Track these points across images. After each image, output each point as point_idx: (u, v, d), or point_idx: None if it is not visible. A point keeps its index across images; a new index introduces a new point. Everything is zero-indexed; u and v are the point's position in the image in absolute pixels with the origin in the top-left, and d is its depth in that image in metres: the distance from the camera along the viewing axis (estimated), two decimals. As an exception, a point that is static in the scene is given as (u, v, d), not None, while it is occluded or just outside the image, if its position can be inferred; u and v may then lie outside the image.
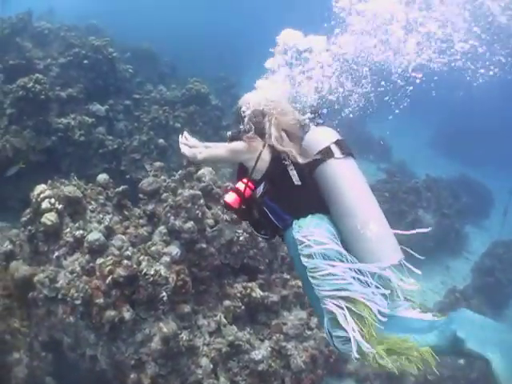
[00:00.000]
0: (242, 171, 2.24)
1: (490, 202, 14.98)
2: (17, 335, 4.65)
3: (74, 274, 4.61)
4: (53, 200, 5.22)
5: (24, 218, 5.29)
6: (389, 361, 1.91)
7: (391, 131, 19.03)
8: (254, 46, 23.72)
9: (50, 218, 5.04)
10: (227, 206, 2.19)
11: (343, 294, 1.91)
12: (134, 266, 4.54)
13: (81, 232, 4.93)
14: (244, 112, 2.26)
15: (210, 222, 5.46)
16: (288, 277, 5.78)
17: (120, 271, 4.48)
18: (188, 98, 9.98)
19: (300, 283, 5.03)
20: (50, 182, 6.18)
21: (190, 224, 5.07)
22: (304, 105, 2.36)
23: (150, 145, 8.31)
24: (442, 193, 12.39)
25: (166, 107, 9.14)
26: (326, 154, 2.08)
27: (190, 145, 2.36)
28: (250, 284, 5.26)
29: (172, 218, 5.07)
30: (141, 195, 5.41)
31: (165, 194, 5.23)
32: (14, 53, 9.28)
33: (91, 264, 4.64)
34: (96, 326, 4.30)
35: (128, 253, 4.66)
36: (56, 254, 4.90)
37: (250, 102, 2.27)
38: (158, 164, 5.61)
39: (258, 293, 5.21)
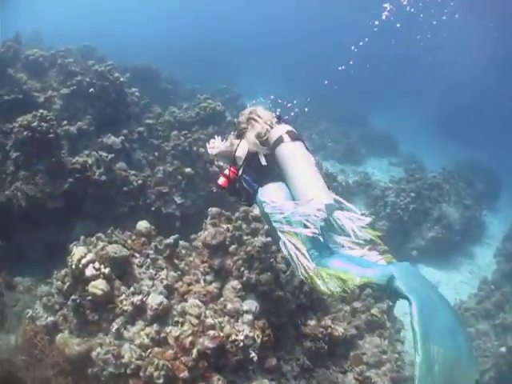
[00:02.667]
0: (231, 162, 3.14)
1: (499, 182, 14.90)
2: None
3: (144, 348, 3.87)
4: (97, 264, 4.39)
5: (60, 283, 4.52)
6: (326, 283, 2.49)
7: (391, 122, 18.95)
8: (241, 55, 23.66)
9: (99, 287, 4.22)
10: (219, 187, 3.17)
11: (286, 227, 2.65)
12: (221, 335, 3.83)
13: (139, 298, 4.15)
14: (237, 119, 3.29)
15: (282, 266, 4.84)
16: (358, 306, 5.70)
17: (206, 343, 3.79)
18: (204, 118, 9.18)
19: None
20: (83, 238, 5.36)
21: (266, 275, 4.47)
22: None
23: (176, 175, 7.46)
24: (459, 184, 12.54)
25: (186, 131, 8.30)
26: (279, 140, 2.84)
27: (212, 146, 3.39)
28: (328, 322, 4.88)
29: (246, 271, 4.36)
30: (203, 249, 4.63)
31: (233, 247, 4.45)
32: (8, 86, 8.27)
33: (162, 334, 3.90)
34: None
35: (210, 321, 3.90)
36: (114, 326, 4.11)
37: (243, 112, 3.25)
38: (214, 210, 4.81)
39: (339, 331, 4.85)
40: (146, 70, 11.76)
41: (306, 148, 2.91)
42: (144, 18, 24.73)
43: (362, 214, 2.92)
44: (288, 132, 2.87)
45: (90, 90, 8.20)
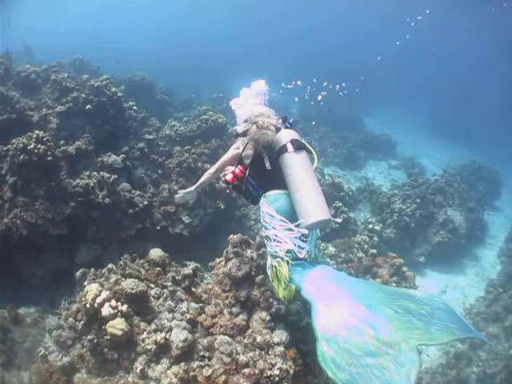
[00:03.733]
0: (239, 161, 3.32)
1: (498, 181, 14.74)
2: None
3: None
4: (114, 302, 4.10)
5: (72, 319, 4.26)
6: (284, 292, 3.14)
7: (387, 125, 18.95)
8: (232, 62, 23.45)
9: (118, 327, 3.96)
10: (227, 182, 3.33)
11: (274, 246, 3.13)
12: (256, 372, 3.59)
13: (162, 335, 3.91)
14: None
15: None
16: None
17: (241, 381, 3.61)
18: (206, 131, 8.89)
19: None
20: (93, 270, 5.07)
21: (295, 305, 4.23)
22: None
23: (182, 194, 7.16)
24: (462, 186, 12.52)
25: (189, 146, 8.00)
26: (283, 149, 2.99)
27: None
28: None
29: (275, 302, 4.10)
30: (225, 278, 4.35)
31: (259, 277, 4.17)
32: (0, 106, 7.92)
33: (191, 373, 3.66)
34: None
35: (244, 358, 3.67)
36: (138, 366, 3.83)
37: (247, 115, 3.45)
38: (237, 238, 4.54)
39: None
40: (141, 81, 11.40)
41: (308, 152, 3.13)
42: (134, 30, 24.35)
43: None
44: (292, 140, 3.04)
45: (87, 107, 7.86)
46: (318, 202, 2.90)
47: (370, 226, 9.48)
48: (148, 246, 6.98)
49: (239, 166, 3.29)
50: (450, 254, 10.61)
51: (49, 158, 6.47)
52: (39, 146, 6.46)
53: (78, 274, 6.12)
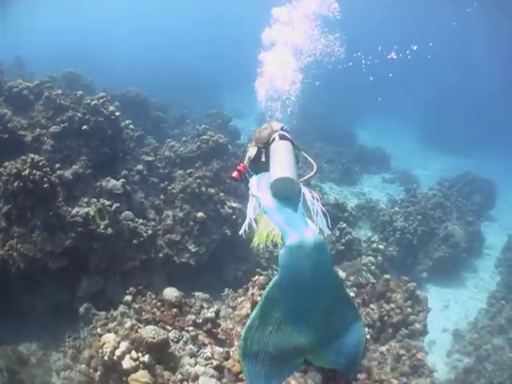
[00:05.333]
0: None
1: (493, 192, 14.76)
2: None
3: None
4: (134, 354, 3.77)
5: (84, 366, 4.07)
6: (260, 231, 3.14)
7: (379, 136, 19.02)
8: (221, 75, 23.24)
9: (141, 380, 3.68)
10: (233, 178, 3.65)
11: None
12: None
13: (191, 385, 3.61)
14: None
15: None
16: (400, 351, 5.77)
17: None
18: (206, 152, 8.58)
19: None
20: (104, 314, 4.72)
21: None
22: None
23: (188, 221, 6.82)
24: (459, 199, 12.69)
25: (191, 170, 7.68)
26: (272, 140, 3.43)
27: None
28: (381, 376, 4.43)
29: None
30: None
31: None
32: (-9, 124, 7.44)
33: None
34: None
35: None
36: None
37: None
38: (264, 279, 4.27)
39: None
40: (135, 97, 11.00)
41: (293, 144, 3.46)
42: (123, 43, 23.92)
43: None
44: (279, 135, 3.47)
45: (84, 128, 7.45)
46: (284, 166, 3.16)
47: (374, 245, 9.34)
48: (153, 277, 6.65)
49: (242, 164, 3.71)
50: (451, 267, 10.65)
51: (45, 185, 6.04)
52: (34, 171, 6.04)
53: (82, 309, 5.75)
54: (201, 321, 4.30)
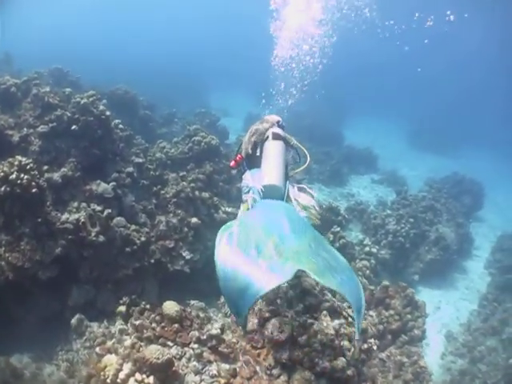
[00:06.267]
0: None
1: (481, 192, 14.92)
2: None
3: None
4: (139, 376, 3.57)
5: None
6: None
7: (366, 136, 19.06)
8: (207, 73, 22.89)
9: None
10: (231, 167, 4.12)
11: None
12: None
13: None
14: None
15: (346, 343, 4.22)
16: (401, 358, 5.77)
17: None
18: (198, 154, 8.32)
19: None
20: (101, 332, 4.53)
21: (340, 361, 3.87)
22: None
23: (182, 227, 6.59)
24: (449, 201, 12.67)
25: (184, 173, 7.44)
26: (266, 138, 3.84)
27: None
28: None
29: (320, 361, 3.72)
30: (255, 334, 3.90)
31: (303, 338, 3.74)
32: (-22, 123, 7.02)
33: None
34: None
35: None
36: None
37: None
38: (272, 294, 4.11)
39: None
40: (123, 95, 10.60)
41: (286, 143, 3.87)
42: (110, 39, 23.29)
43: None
44: (273, 133, 3.81)
45: (73, 128, 7.10)
46: (274, 172, 3.55)
47: (367, 248, 9.29)
48: (146, 285, 6.40)
49: (239, 155, 4.05)
50: (442, 269, 10.72)
51: (33, 190, 5.73)
52: (22, 175, 5.72)
53: (74, 321, 5.47)
54: (205, 337, 4.10)
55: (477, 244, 12.69)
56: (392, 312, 6.59)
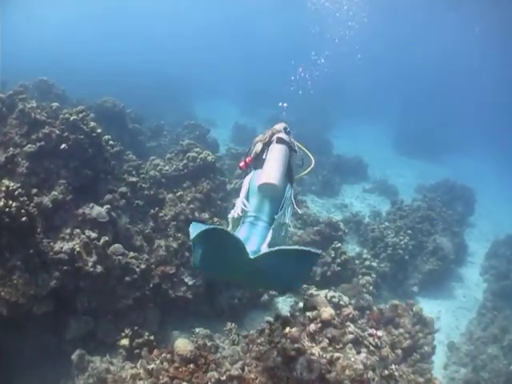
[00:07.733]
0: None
1: (473, 199, 14.96)
2: None
3: None
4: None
5: None
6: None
7: (353, 145, 19.04)
8: (191, 83, 22.49)
9: None
10: (240, 168, 4.15)
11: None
12: None
13: None
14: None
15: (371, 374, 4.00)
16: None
17: None
18: (194, 171, 7.97)
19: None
20: (111, 377, 4.19)
21: None
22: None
23: (183, 252, 6.25)
24: (443, 209, 12.63)
25: (181, 192, 7.11)
26: (270, 142, 3.99)
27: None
28: None
29: None
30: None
31: (332, 375, 3.49)
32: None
33: None
34: None
35: None
36: None
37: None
38: (297, 330, 3.85)
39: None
40: (111, 108, 10.17)
41: (290, 148, 3.95)
42: (91, 50, 22.66)
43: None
44: (277, 138, 3.95)
45: (63, 146, 6.69)
46: (273, 171, 3.61)
47: (367, 262, 9.13)
48: (147, 314, 6.04)
49: (249, 157, 4.09)
50: (439, 279, 10.70)
51: (23, 219, 5.32)
52: (10, 202, 5.31)
53: (75, 357, 5.12)
54: (224, 378, 3.81)
55: (470, 250, 12.72)
56: (402, 330, 6.43)
